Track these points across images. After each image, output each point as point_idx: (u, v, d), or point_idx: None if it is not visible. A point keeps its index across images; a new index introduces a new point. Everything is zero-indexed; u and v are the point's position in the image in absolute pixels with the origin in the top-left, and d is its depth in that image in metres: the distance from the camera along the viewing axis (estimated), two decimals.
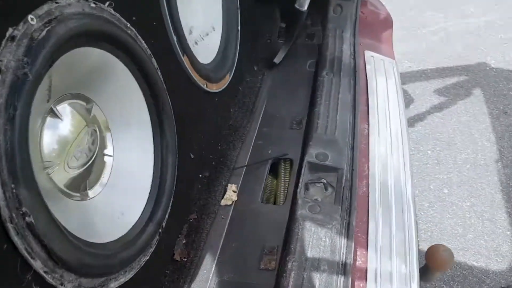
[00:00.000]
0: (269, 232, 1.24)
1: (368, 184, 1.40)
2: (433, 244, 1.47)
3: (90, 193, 0.92)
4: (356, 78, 1.73)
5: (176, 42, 1.16)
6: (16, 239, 0.65)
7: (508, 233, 2.55)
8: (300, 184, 1.32)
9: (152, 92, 1.02)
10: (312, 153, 1.41)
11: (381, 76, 1.88)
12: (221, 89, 1.47)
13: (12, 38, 0.66)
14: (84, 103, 0.94)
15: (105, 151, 0.99)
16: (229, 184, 1.37)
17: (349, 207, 1.27)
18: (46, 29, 0.71)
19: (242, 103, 1.65)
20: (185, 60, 1.21)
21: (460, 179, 2.83)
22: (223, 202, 1.33)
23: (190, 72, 1.25)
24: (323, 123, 1.49)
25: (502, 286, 2.19)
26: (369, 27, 2.11)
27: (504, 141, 3.16)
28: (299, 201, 1.26)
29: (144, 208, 1.00)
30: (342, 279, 1.12)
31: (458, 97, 3.58)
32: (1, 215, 0.64)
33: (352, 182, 1.34)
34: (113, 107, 1.00)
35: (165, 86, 1.06)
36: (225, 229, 1.27)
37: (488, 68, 3.91)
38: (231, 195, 1.34)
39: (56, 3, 0.75)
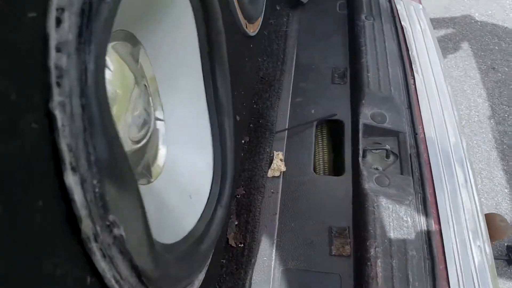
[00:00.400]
0: (332, 210, 1.03)
1: (427, 149, 1.21)
2: (489, 212, 1.35)
3: (153, 173, 0.65)
4: (397, 25, 1.50)
5: None
6: (103, 265, 0.39)
7: (506, 190, 2.54)
8: (360, 152, 1.11)
9: (209, 35, 0.73)
10: (367, 113, 1.19)
11: (415, 24, 1.66)
12: (255, 32, 1.19)
13: None
14: (130, 46, 0.65)
15: (157, 114, 0.71)
16: (274, 152, 1.13)
17: (421, 178, 1.08)
18: None
19: (271, 51, 1.38)
20: None
21: (454, 99, 2.80)
22: (270, 173, 1.10)
23: (236, 6, 0.96)
24: (374, 76, 1.27)
25: (507, 244, 2.18)
26: None
27: (495, 98, 3.12)
28: (364, 172, 1.05)
29: (211, 189, 0.74)
30: (430, 263, 0.95)
31: (448, 51, 3.48)
32: (81, 232, 0.37)
33: (418, 149, 1.15)
34: (162, 53, 0.71)
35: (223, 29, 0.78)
36: (278, 206, 1.05)
37: (473, 21, 3.82)
38: (279, 164, 1.10)
39: None
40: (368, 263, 0.90)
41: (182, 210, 0.68)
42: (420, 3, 1.88)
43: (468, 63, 3.41)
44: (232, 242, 0.95)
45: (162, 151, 0.72)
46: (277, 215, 1.03)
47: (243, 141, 1.12)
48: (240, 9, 1.00)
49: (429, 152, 1.18)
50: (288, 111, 1.26)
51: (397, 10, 1.62)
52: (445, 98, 1.39)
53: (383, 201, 1.00)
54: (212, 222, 0.72)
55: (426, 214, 1.02)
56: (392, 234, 0.95)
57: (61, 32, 0.36)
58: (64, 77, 0.36)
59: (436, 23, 3.73)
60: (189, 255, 0.66)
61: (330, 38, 1.48)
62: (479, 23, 3.77)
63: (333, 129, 1.25)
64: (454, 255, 1.01)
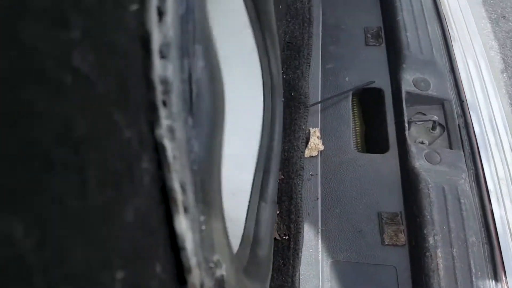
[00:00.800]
0: (380, 193, 0.97)
1: (471, 117, 1.15)
2: None
3: None
4: None
5: None
6: None
7: None
8: (405, 124, 1.04)
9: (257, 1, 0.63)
10: (409, 79, 1.11)
11: None
12: None
13: None
14: None
15: None
16: (310, 129, 1.05)
17: (471, 153, 1.03)
18: None
19: (295, 10, 1.26)
20: None
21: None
22: (307, 153, 1.03)
23: None
24: (413, 37, 1.18)
25: None
26: None
27: (506, 49, 3.07)
28: (413, 148, 0.99)
29: (253, 183, 0.66)
30: (489, 249, 0.91)
31: None
32: (188, 285, 0.30)
33: (465, 118, 1.09)
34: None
35: None
36: (319, 190, 0.98)
37: None
38: (316, 143, 1.03)
39: None
40: (427, 253, 0.86)
41: (229, 210, 0.61)
42: None
43: (478, 12, 3.33)
44: (275, 235, 0.89)
45: None
46: (319, 201, 0.97)
47: None
48: None
49: (472, 121, 1.12)
50: (320, 80, 1.17)
51: None
52: (483, 58, 1.31)
53: (437, 181, 0.94)
54: (259, 221, 0.65)
55: (480, 193, 0.98)
56: (451, 219, 0.90)
57: (164, 29, 0.26)
58: (171, 93, 0.26)
59: None
60: (254, 264, 0.59)
61: None
62: None
63: (371, 99, 1.16)
64: (508, 238, 0.97)
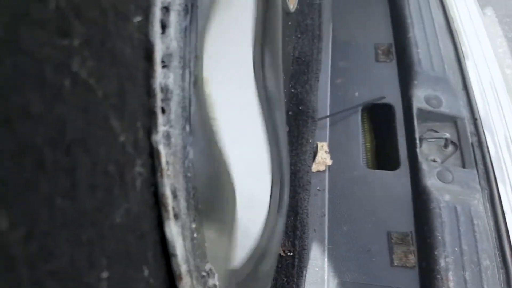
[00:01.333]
0: (390, 211, 0.97)
1: (485, 136, 1.14)
2: None
3: None
4: None
5: None
6: None
7: None
8: (417, 141, 1.05)
9: (266, 19, 0.65)
10: (420, 96, 1.12)
11: None
12: (294, 8, 1.09)
13: None
14: None
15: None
16: (318, 143, 1.06)
17: (485, 172, 1.02)
18: None
19: (305, 26, 1.28)
20: None
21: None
22: (314, 168, 1.03)
23: None
24: (425, 53, 1.19)
25: None
26: None
27: None
28: (424, 166, 0.99)
29: (271, 195, 0.67)
30: (505, 273, 0.90)
31: None
32: None
33: (479, 137, 1.08)
34: (213, 45, 0.62)
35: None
36: (326, 205, 0.98)
37: None
38: (324, 157, 1.03)
39: None
40: (438, 276, 0.85)
41: (243, 222, 0.62)
42: None
43: (494, 31, 3.33)
44: (280, 251, 0.89)
45: None
46: (326, 217, 0.97)
47: None
48: None
49: (487, 140, 1.12)
50: (329, 95, 1.18)
51: None
52: (497, 74, 1.32)
53: (449, 201, 0.94)
54: (274, 234, 0.65)
55: (495, 214, 0.97)
56: (463, 241, 0.89)
57: (166, 41, 0.28)
58: (170, 101, 0.28)
59: None
60: (252, 279, 0.60)
61: (368, 9, 1.38)
62: None
63: (381, 114, 1.17)
64: None
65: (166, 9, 0.27)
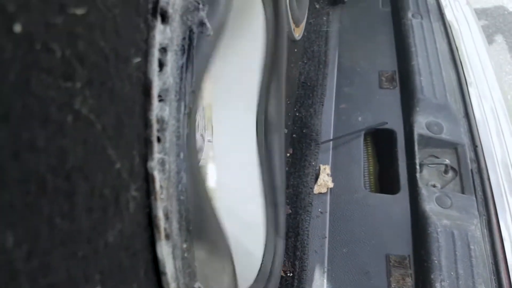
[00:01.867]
0: (389, 234, 0.98)
1: (485, 162, 1.15)
2: None
3: None
4: (446, 23, 1.43)
5: None
6: None
7: None
8: (417, 166, 1.06)
9: (276, 48, 0.68)
10: (422, 122, 1.14)
11: (461, 20, 1.59)
12: (300, 36, 1.13)
13: None
14: None
15: (206, 136, 0.66)
16: (320, 165, 1.08)
17: (484, 198, 1.03)
18: None
19: (311, 53, 1.32)
20: None
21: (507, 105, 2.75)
22: (316, 190, 1.05)
23: (288, 11, 0.90)
24: (427, 81, 1.21)
25: None
26: None
27: None
28: (424, 191, 1.00)
29: (266, 217, 0.69)
30: None
31: None
32: None
33: (479, 163, 1.09)
34: (221, 71, 0.66)
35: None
36: (327, 228, 1.00)
37: (506, 12, 3.74)
38: (326, 180, 1.05)
39: None
40: None
41: (245, 243, 0.64)
42: None
43: (503, 57, 3.33)
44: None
45: (211, 175, 0.67)
46: (327, 239, 0.98)
47: (287, 154, 1.07)
48: (290, 12, 0.94)
49: (487, 167, 1.13)
50: (333, 119, 1.21)
51: (443, 6, 1.55)
52: (500, 103, 1.33)
53: (447, 226, 0.94)
54: (276, 256, 0.67)
55: (492, 240, 0.97)
56: (459, 265, 0.89)
57: (163, 78, 0.30)
58: (165, 131, 0.31)
59: None
60: None
61: (374, 38, 1.42)
62: None
63: (382, 140, 1.19)
64: None
65: (164, 50, 0.30)
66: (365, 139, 1.18)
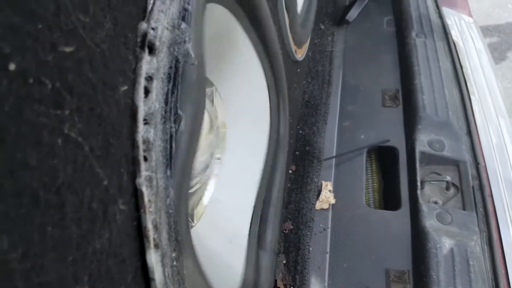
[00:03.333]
0: (389, 250, 0.99)
1: (489, 180, 1.16)
2: None
3: (195, 215, 0.63)
4: (450, 42, 1.45)
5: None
6: None
7: None
8: (418, 183, 1.07)
9: (273, 70, 0.72)
10: (424, 139, 1.15)
11: (467, 39, 1.61)
12: (303, 56, 1.17)
13: None
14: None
15: (216, 153, 0.70)
16: (322, 182, 1.10)
17: (485, 215, 1.04)
18: None
19: (316, 73, 1.35)
20: (286, 18, 0.90)
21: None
22: (318, 206, 1.07)
23: (288, 34, 0.94)
24: (430, 99, 1.23)
25: None
26: None
27: None
28: (424, 208, 1.01)
29: (250, 231, 0.72)
30: None
31: (494, 61, 3.39)
32: None
33: (480, 180, 1.10)
34: (232, 93, 0.70)
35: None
36: (328, 243, 1.01)
37: None
38: (327, 196, 1.07)
39: None
40: None
41: (226, 257, 0.66)
42: (471, 15, 1.83)
43: None
44: (280, 284, 0.92)
45: (209, 191, 0.70)
46: (328, 254, 1.00)
47: (290, 171, 1.10)
48: (292, 35, 0.98)
49: (491, 184, 1.13)
50: (336, 137, 1.23)
51: (448, 26, 1.57)
52: (504, 120, 1.34)
53: (446, 242, 0.95)
54: (260, 268, 0.69)
55: (493, 256, 0.98)
56: (458, 281, 0.90)
57: (149, 103, 0.34)
58: (151, 151, 0.34)
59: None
60: None
61: (378, 57, 1.44)
62: None
63: (385, 157, 1.21)
64: None
65: (150, 78, 0.34)
66: (369, 156, 1.20)
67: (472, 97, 1.37)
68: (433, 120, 1.19)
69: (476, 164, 1.13)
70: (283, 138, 0.79)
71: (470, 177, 1.09)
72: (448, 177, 1.09)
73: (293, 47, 1.02)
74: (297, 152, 1.16)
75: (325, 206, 1.07)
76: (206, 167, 0.67)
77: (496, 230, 1.04)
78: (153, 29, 0.35)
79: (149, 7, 0.35)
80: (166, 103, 0.35)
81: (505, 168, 1.19)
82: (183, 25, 0.38)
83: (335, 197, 1.09)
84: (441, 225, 0.99)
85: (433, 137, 1.16)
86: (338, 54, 1.44)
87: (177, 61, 0.36)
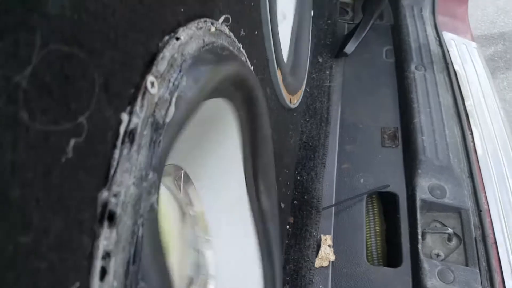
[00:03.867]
0: None
1: (493, 226, 1.12)
2: None
3: None
4: (451, 73, 1.41)
5: (273, 52, 0.80)
6: None
7: None
8: (419, 236, 1.04)
9: (253, 141, 0.68)
10: (424, 185, 1.11)
11: (470, 68, 1.56)
12: (299, 101, 1.13)
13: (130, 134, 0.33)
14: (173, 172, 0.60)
15: (205, 236, 0.66)
16: (322, 236, 1.07)
17: (489, 270, 1.00)
18: (174, 99, 0.37)
19: (314, 110, 1.31)
20: (278, 76, 0.86)
21: None
22: (317, 263, 1.03)
23: (281, 90, 0.90)
24: (430, 141, 1.19)
25: None
26: (443, 1, 1.75)
27: None
28: (425, 265, 0.98)
29: None
30: None
31: (498, 70, 3.33)
32: None
33: (483, 230, 1.06)
34: (205, 173, 0.66)
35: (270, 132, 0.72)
36: None
37: None
38: (327, 252, 1.04)
39: (177, 39, 0.39)
40: None
41: None
42: (473, 40, 1.78)
43: None
44: None
45: (206, 275, 0.67)
46: None
47: (287, 226, 1.06)
48: (284, 86, 0.94)
49: (495, 233, 1.10)
50: (335, 181, 1.19)
51: (449, 54, 1.53)
52: (509, 158, 1.29)
53: None
54: None
55: None
56: None
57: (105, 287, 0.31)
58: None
59: (484, 39, 3.57)
60: None
61: (377, 91, 1.40)
62: None
63: (385, 203, 1.17)
64: None
65: (108, 255, 0.31)
66: (372, 199, 1.17)
67: (474, 129, 1.33)
68: (434, 164, 1.15)
69: (479, 211, 1.09)
70: (268, 208, 0.76)
71: (472, 227, 1.05)
72: (449, 228, 1.05)
73: (287, 96, 0.99)
74: (295, 201, 1.12)
75: (325, 263, 1.04)
76: (197, 266, 0.63)
77: (501, 283, 1.01)
78: (115, 195, 0.31)
79: (112, 171, 0.32)
80: (126, 277, 0.32)
81: (508, 212, 1.15)
82: (151, 175, 0.35)
83: (335, 252, 1.05)
84: (443, 284, 0.95)
85: (434, 182, 1.12)
86: (336, 88, 1.40)
87: (141, 222, 0.33)
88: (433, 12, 1.61)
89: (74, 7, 0.26)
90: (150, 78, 0.34)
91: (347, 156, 1.24)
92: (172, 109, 0.36)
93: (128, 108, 0.33)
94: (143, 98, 0.34)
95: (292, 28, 1.17)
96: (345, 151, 1.25)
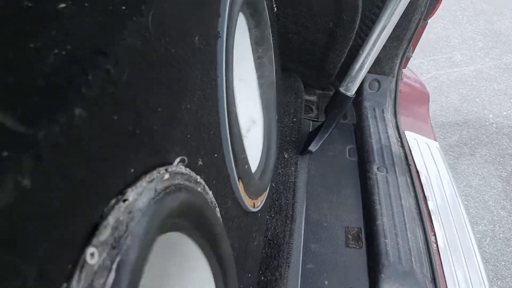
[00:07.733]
0: None
1: None
2: None
3: None
4: (413, 174, 1.47)
5: (233, 167, 0.83)
6: None
7: None
8: None
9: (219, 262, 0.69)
10: None
11: (432, 167, 1.63)
12: (263, 203, 1.15)
13: None
14: None
15: None
16: None
17: None
18: (115, 265, 0.37)
19: (279, 206, 1.33)
20: (240, 187, 0.89)
21: (482, 256, 2.66)
22: None
23: (243, 198, 0.92)
24: (393, 244, 1.21)
25: None
26: (405, 102, 1.87)
27: None
28: None
29: None
30: None
31: (464, 157, 3.46)
32: None
33: None
34: None
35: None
36: None
37: (488, 123, 3.84)
38: None
39: (124, 201, 0.41)
40: None
41: None
42: (435, 139, 1.87)
43: (487, 170, 3.36)
44: None
45: None
46: None
47: None
48: (246, 194, 0.96)
49: None
50: (299, 282, 1.19)
51: (411, 154, 1.60)
52: (472, 261, 1.31)
53: None
54: None
55: None
56: None
57: None
58: None
59: (449, 126, 3.74)
60: None
61: (341, 190, 1.44)
62: (494, 125, 3.78)
63: None
64: None
65: None
66: None
67: (437, 231, 1.36)
68: (397, 269, 1.16)
69: None
70: None
71: None
72: None
73: (249, 202, 1.00)
74: None
75: None
76: None
77: None
78: None
79: None
80: None
81: None
82: None
83: None
84: None
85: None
86: (301, 185, 1.43)
87: None
88: (395, 113, 1.70)
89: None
90: (90, 250, 0.35)
91: (312, 256, 1.24)
92: (112, 275, 0.37)
93: (64, 285, 0.34)
94: (81, 272, 0.35)
95: (264, 130, 1.22)
96: (310, 250, 1.25)
